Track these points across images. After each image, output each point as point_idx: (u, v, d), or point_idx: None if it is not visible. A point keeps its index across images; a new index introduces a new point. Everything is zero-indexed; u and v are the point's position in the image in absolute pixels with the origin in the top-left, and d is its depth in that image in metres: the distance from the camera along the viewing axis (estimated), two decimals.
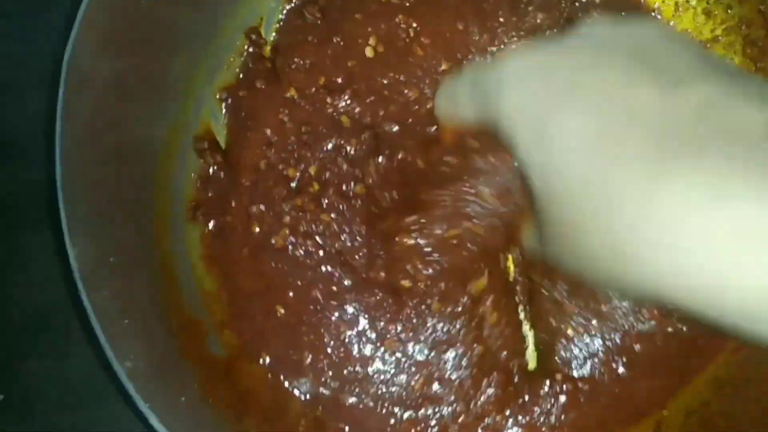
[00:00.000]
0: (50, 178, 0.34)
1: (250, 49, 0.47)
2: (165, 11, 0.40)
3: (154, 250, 0.41)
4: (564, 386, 0.41)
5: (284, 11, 0.47)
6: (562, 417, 0.42)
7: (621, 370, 0.42)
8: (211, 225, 0.45)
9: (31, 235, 0.48)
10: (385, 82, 0.46)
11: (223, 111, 0.46)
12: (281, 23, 0.47)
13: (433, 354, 0.42)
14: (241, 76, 0.47)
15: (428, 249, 0.40)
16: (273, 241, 0.44)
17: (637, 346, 0.42)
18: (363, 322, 0.43)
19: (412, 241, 0.40)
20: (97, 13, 0.35)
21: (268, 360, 0.43)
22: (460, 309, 0.42)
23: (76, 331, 0.46)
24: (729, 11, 0.46)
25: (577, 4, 0.47)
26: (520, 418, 0.42)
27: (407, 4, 0.47)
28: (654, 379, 0.42)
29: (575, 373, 0.42)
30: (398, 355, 0.43)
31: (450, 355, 0.42)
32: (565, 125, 0.26)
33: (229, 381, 0.41)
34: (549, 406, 0.42)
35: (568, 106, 0.27)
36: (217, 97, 0.46)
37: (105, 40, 0.36)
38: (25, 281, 0.48)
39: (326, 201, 0.44)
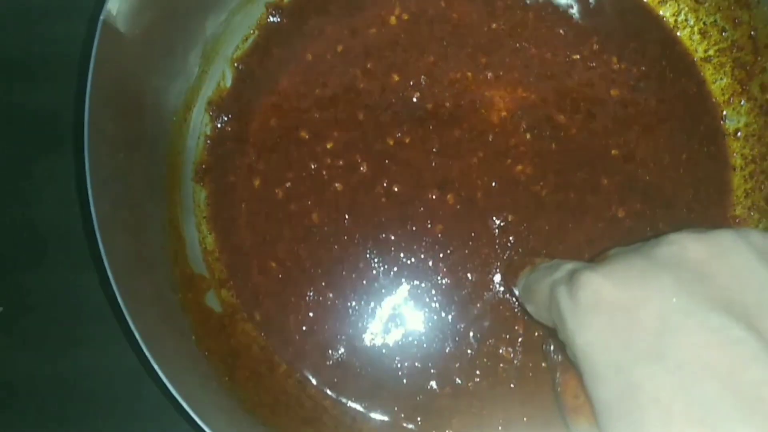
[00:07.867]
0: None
1: (270, 19, 0.48)
2: None
3: (165, 204, 0.43)
4: None
5: None
6: None
7: None
8: (215, 187, 0.46)
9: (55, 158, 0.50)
10: (409, 49, 0.46)
11: (238, 75, 0.47)
12: None
13: (415, 320, 0.44)
14: (258, 43, 0.48)
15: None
16: (276, 192, 0.45)
17: None
18: (348, 284, 0.44)
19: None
20: None
21: (259, 318, 0.44)
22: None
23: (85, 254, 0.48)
24: (723, 33, 0.48)
25: None
26: None
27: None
28: None
29: None
30: (380, 315, 0.44)
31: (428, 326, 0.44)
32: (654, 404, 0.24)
33: (223, 336, 0.43)
34: None
35: (658, 379, 0.24)
36: (235, 64, 0.47)
37: None
38: (43, 202, 0.50)
39: (333, 161, 0.45)
